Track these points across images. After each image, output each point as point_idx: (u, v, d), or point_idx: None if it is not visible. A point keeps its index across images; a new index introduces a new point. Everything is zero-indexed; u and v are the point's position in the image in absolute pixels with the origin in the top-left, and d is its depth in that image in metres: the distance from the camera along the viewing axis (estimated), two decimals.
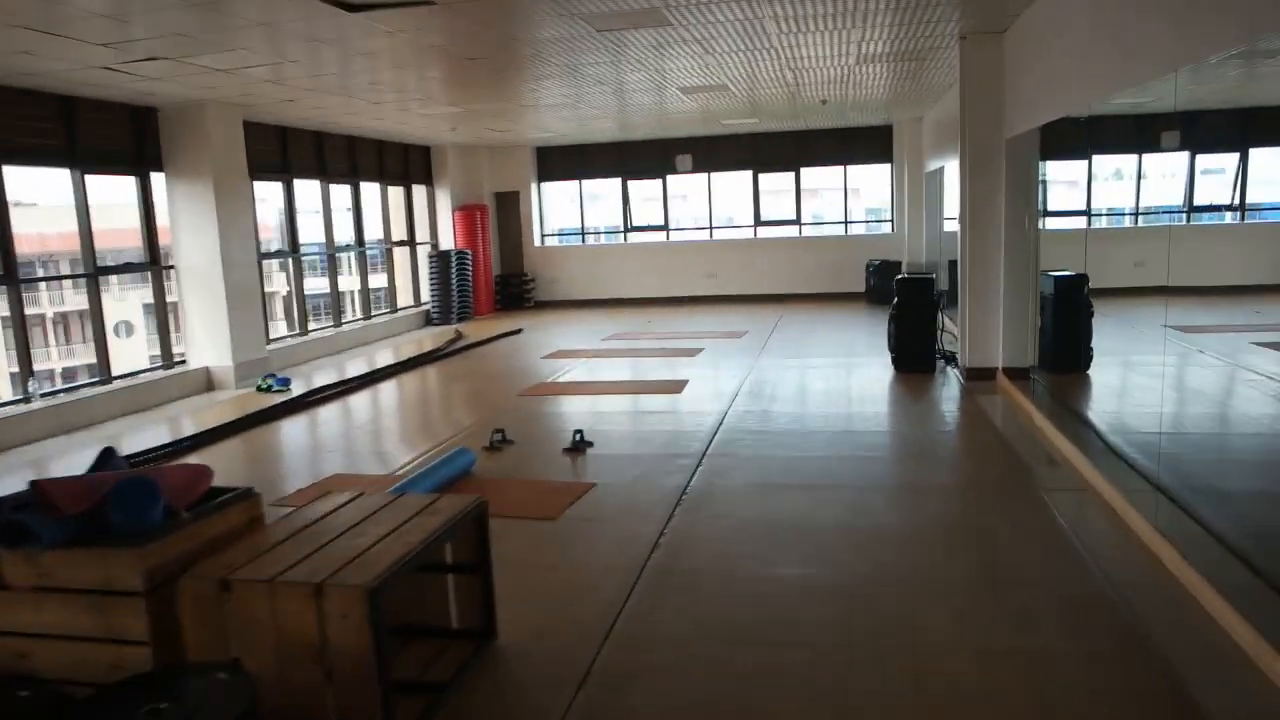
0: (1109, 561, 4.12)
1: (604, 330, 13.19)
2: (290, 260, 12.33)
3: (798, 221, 16.36)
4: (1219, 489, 5.21)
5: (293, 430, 7.87)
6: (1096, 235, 11.13)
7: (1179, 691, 3.04)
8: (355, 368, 10.87)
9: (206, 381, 10.07)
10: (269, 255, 12.24)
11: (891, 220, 16.09)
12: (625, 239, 17.22)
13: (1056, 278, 8.11)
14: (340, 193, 13.52)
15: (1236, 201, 10.73)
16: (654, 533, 4.74)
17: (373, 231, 15.04)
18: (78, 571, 2.85)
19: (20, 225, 8.65)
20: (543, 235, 17.38)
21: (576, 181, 17.15)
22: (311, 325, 12.95)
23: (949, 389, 8.13)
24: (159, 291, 9.95)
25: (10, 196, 8.14)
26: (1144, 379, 8.27)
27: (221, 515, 3.25)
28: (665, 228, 16.94)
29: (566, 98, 10.92)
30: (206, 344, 10.07)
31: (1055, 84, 6.38)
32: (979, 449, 6.22)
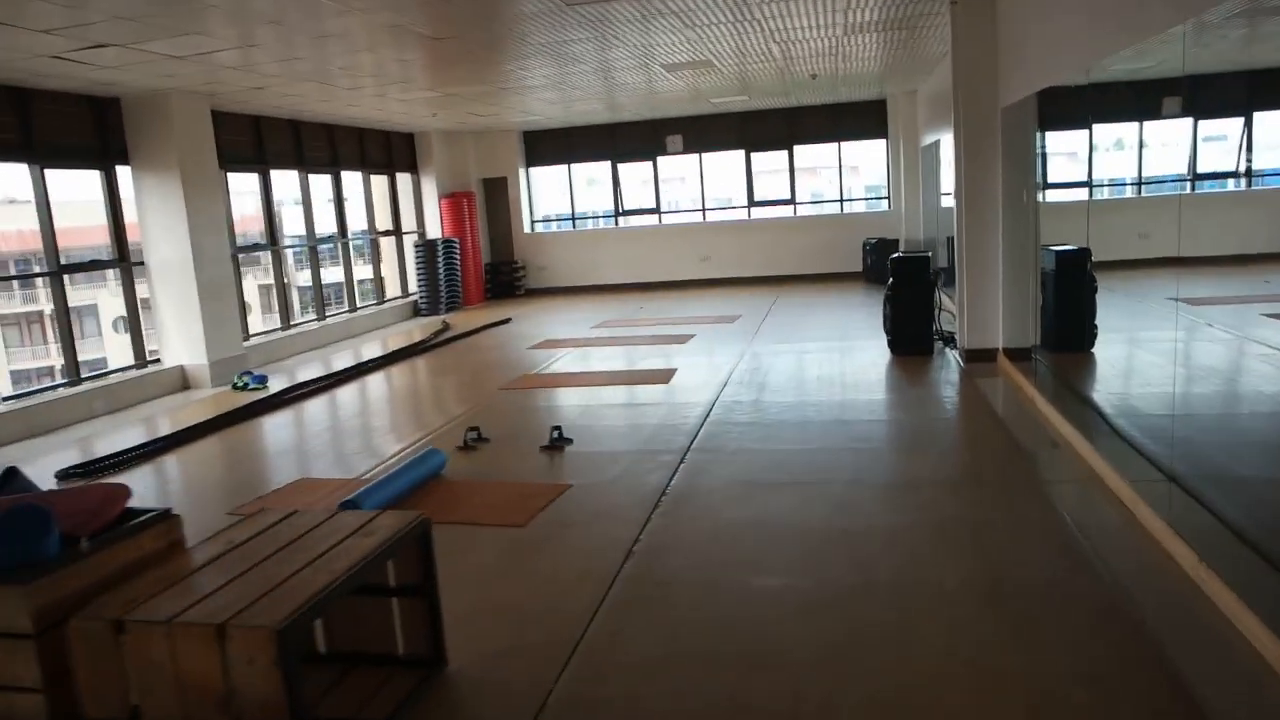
0: (1118, 563, 3.80)
1: (595, 317, 12.85)
2: (270, 253, 11.98)
3: (792, 201, 15.97)
4: (1236, 477, 4.87)
5: (265, 430, 7.56)
6: (1098, 207, 10.76)
7: (1195, 717, 2.72)
8: (337, 363, 10.55)
9: (181, 380, 9.75)
10: (246, 249, 11.91)
11: (888, 197, 15.70)
12: (616, 223, 16.85)
13: (1058, 252, 7.74)
14: (321, 183, 13.17)
15: (1242, 168, 10.37)
16: (629, 539, 4.42)
17: (358, 222, 14.71)
18: None
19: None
20: (532, 221, 17.02)
21: (565, 166, 16.77)
22: (297, 318, 12.64)
23: (947, 372, 7.79)
24: (129, 289, 9.62)
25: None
26: (1151, 356, 7.92)
27: (133, 542, 2.94)
28: (657, 211, 16.57)
29: (547, 79, 10.55)
30: (180, 342, 9.75)
31: (1051, 48, 6.01)
32: (978, 437, 5.89)
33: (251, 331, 11.37)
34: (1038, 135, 7.63)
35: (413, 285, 15.12)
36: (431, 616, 3.24)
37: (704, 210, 16.52)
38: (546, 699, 3.05)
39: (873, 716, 2.84)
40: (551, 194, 17.54)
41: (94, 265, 9.87)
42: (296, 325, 12.30)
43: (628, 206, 16.75)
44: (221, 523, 5.12)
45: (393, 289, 15.23)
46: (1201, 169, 10.99)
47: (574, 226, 17.21)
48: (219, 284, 9.88)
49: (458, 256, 15.27)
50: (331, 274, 14.48)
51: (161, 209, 9.49)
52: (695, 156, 16.17)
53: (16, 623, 2.54)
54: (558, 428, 6.31)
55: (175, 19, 6.37)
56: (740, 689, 3.04)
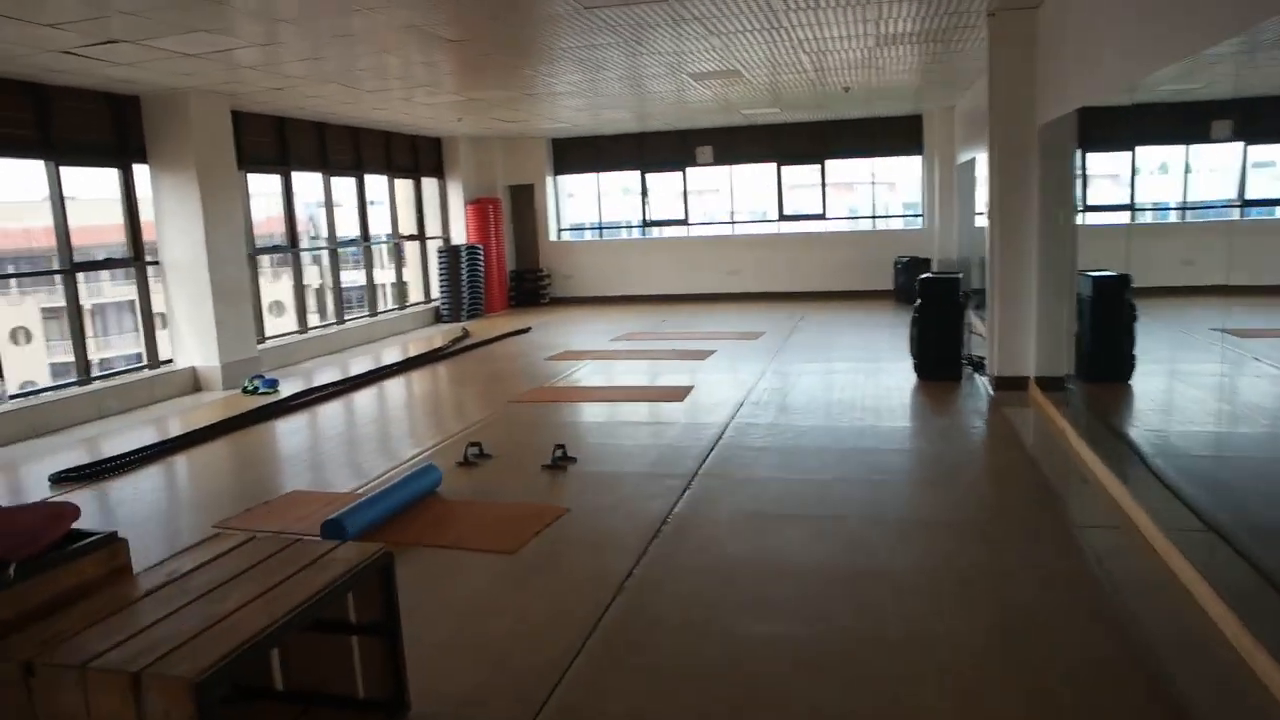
0: (1151, 626, 3.46)
1: (617, 329, 12.60)
2: (290, 255, 11.88)
3: (823, 216, 15.63)
4: None
5: (268, 436, 7.38)
6: (1139, 231, 10.34)
7: None
8: (351, 368, 10.38)
9: (193, 382, 9.63)
10: (266, 250, 11.81)
11: (922, 215, 15.31)
12: (644, 234, 16.61)
13: (1096, 278, 7.37)
14: (344, 186, 13.06)
15: None
16: (622, 572, 4.14)
17: (381, 226, 14.60)
18: None
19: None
20: (559, 230, 16.82)
21: (594, 174, 16.57)
22: (316, 321, 12.52)
23: (975, 400, 7.43)
24: (143, 288, 9.52)
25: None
26: (1193, 390, 7.51)
27: (71, 568, 2.71)
28: (685, 222, 16.31)
29: (573, 86, 10.34)
30: (193, 343, 9.64)
31: (1095, 62, 5.67)
32: (1004, 473, 5.54)
33: (270, 334, 11.26)
34: (1077, 155, 7.27)
35: (435, 291, 14.96)
36: (393, 657, 2.99)
37: (733, 223, 16.24)
38: None
39: None
40: (579, 202, 17.36)
41: (108, 264, 9.79)
42: (314, 329, 12.18)
43: (655, 217, 16.51)
44: (204, 536, 4.93)
45: (416, 294, 15.09)
46: (1250, 195, 10.52)
47: (601, 236, 16.99)
48: (233, 285, 9.75)
49: (481, 263, 15.10)
50: (356, 278, 14.37)
51: (177, 208, 9.38)
52: (725, 168, 15.89)
53: None
54: (561, 446, 6.05)
55: (185, 15, 6.23)
56: None
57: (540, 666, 3.32)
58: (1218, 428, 6.31)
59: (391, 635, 2.97)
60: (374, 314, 13.56)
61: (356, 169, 13.03)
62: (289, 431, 7.58)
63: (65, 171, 8.61)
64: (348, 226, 13.42)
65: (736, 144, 15.59)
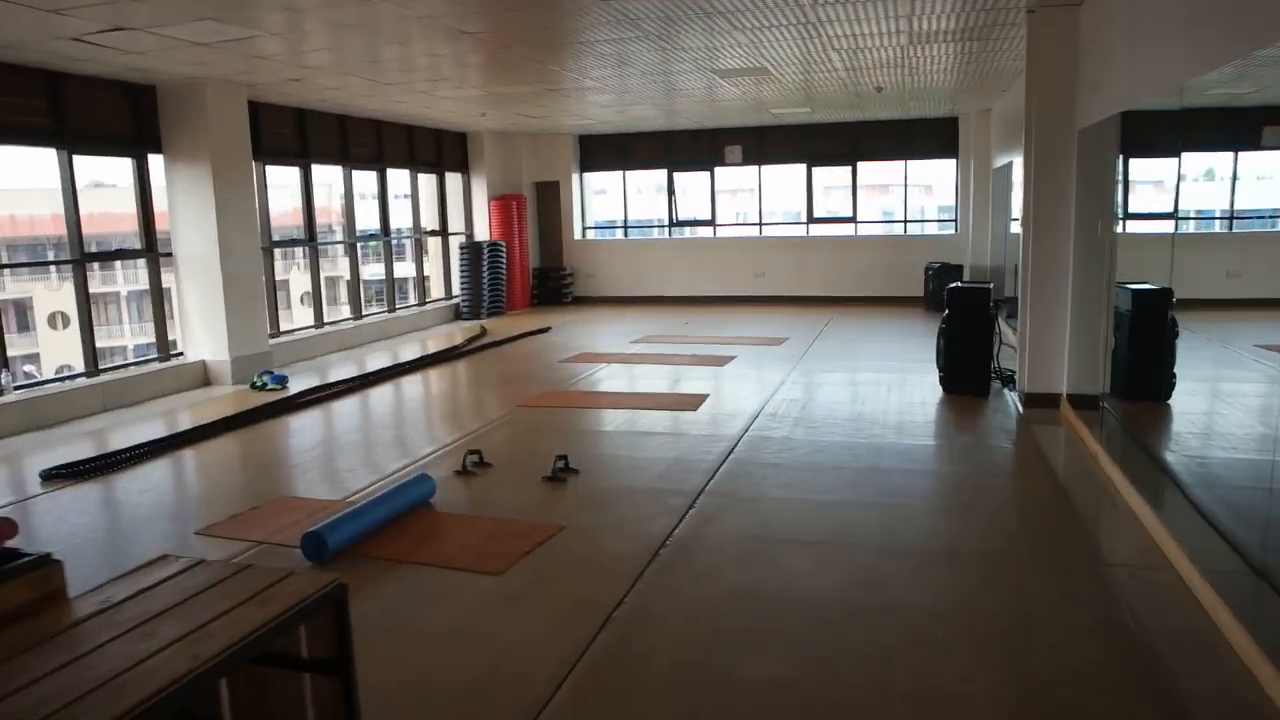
0: (1191, 691, 3.12)
1: (638, 330, 12.33)
2: (307, 249, 11.73)
3: (853, 219, 15.24)
4: None
5: (269, 435, 7.19)
6: (1181, 241, 9.88)
7: None
8: (364, 365, 10.20)
9: (203, 376, 9.50)
10: (282, 244, 11.67)
11: (955, 220, 14.87)
12: (670, 234, 16.32)
13: (1135, 291, 6.97)
14: (368, 179, 12.91)
15: None
16: (612, 601, 3.86)
17: (403, 221, 14.45)
18: None
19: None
20: (584, 228, 16.58)
21: (620, 172, 16.30)
22: (333, 316, 12.38)
23: (1003, 417, 7.07)
24: (155, 280, 9.40)
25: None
26: (1237, 413, 7.09)
27: None
28: (712, 223, 15.99)
29: (597, 82, 10.08)
30: (204, 336, 9.50)
31: (1141, 62, 5.29)
32: (1031, 501, 5.18)
33: (293, 326, 11.12)
34: (1118, 160, 6.88)
35: (456, 288, 14.78)
36: (346, 701, 2.73)
37: (761, 224, 15.90)
38: None
39: None
40: (604, 200, 17.11)
41: (119, 255, 9.68)
42: (331, 324, 12.03)
43: (682, 217, 16.21)
44: (184, 545, 4.74)
45: (437, 290, 14.93)
46: None
47: (626, 235, 16.72)
48: (246, 278, 9.60)
49: (503, 260, 14.90)
50: (380, 272, 14.22)
51: (191, 200, 9.25)
52: (754, 168, 15.55)
53: None
54: (563, 457, 5.79)
55: (195, 3, 6.05)
56: None
57: (509, 711, 3.06)
58: (1264, 455, 5.91)
59: (346, 675, 2.71)
60: (393, 309, 13.40)
61: (378, 162, 12.86)
62: (290, 431, 7.39)
63: (88, 160, 8.53)
64: (371, 221, 13.29)
65: (766, 144, 15.25)
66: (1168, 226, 9.91)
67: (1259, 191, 10.52)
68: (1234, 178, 10.70)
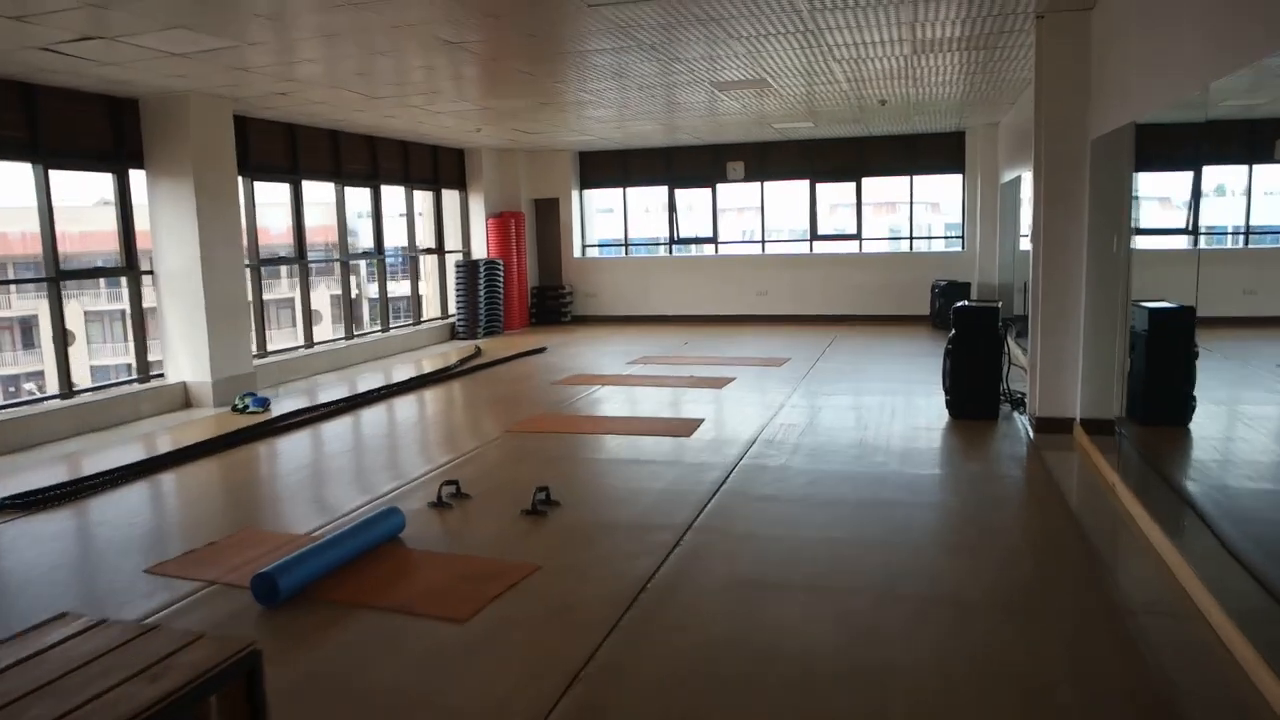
0: None
1: (636, 351, 11.99)
2: (297, 267, 11.46)
3: (858, 236, 14.91)
4: None
5: (243, 461, 6.86)
6: (1193, 258, 9.54)
7: None
8: (352, 387, 9.89)
9: (184, 398, 9.20)
10: (269, 261, 11.40)
11: (962, 237, 14.52)
12: (670, 251, 16.01)
13: (1152, 310, 6.61)
14: (359, 197, 12.66)
15: None
16: (582, 655, 3.51)
17: (398, 239, 14.20)
18: None
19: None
20: (583, 246, 16.29)
21: (620, 189, 16.02)
22: (325, 335, 12.11)
23: (1013, 444, 6.70)
24: (135, 298, 9.11)
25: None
26: (1261, 438, 6.72)
27: None
28: (714, 240, 15.68)
29: (592, 95, 9.80)
30: (185, 357, 9.20)
31: (1159, 66, 4.96)
32: (1043, 538, 4.80)
33: (270, 348, 10.83)
34: (1133, 174, 6.54)
35: (453, 306, 14.48)
36: None
37: (763, 242, 15.58)
38: None
39: None
40: (605, 218, 16.83)
41: (97, 273, 9.41)
42: (322, 343, 11.74)
43: (683, 234, 15.92)
44: (132, 585, 4.40)
45: (433, 309, 14.64)
46: None
47: (626, 253, 16.43)
48: (229, 297, 9.30)
49: (501, 279, 14.60)
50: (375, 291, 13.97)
51: (173, 216, 8.97)
52: (757, 185, 15.26)
53: None
54: (544, 489, 5.44)
55: (165, 10, 5.78)
56: None
57: None
58: None
59: None
60: (386, 329, 13.10)
61: (372, 179, 12.61)
62: (267, 456, 7.07)
63: (65, 176, 8.28)
64: (368, 238, 13.02)
65: (769, 160, 14.96)
66: (1178, 242, 9.57)
67: (1274, 206, 10.16)
68: (1249, 192, 10.35)
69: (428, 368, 11.09)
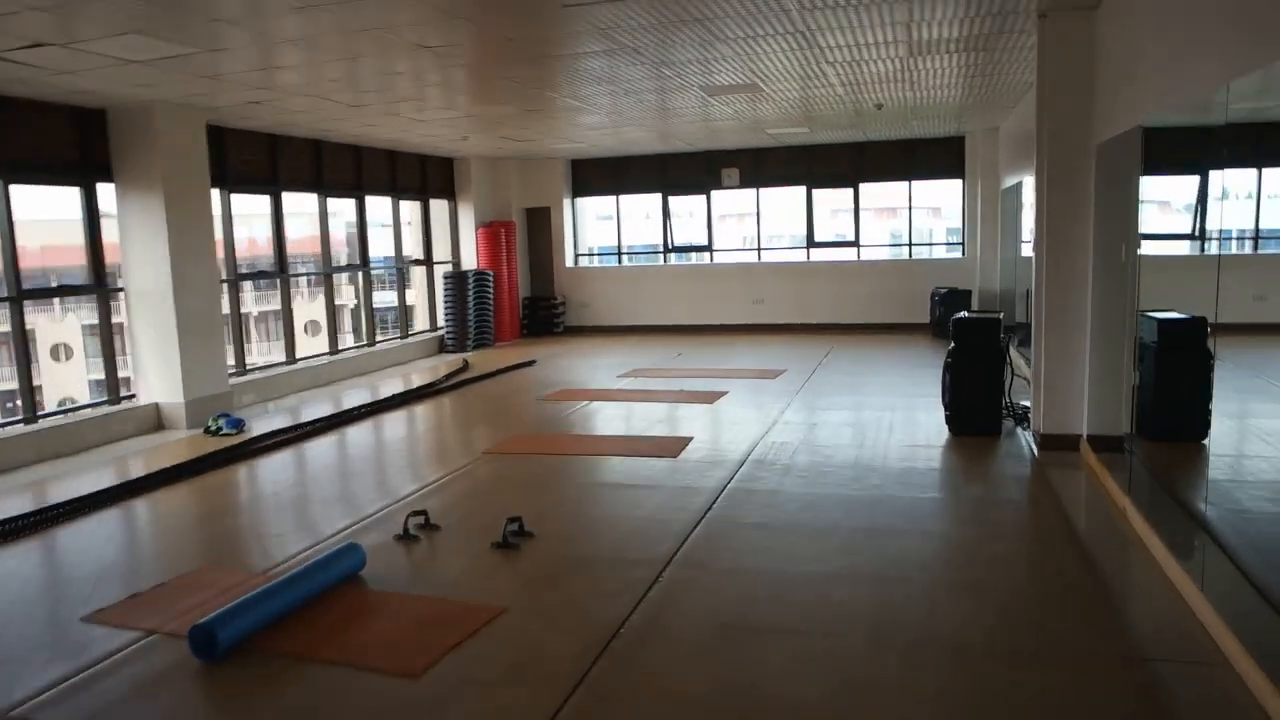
0: None
1: (628, 363, 11.66)
2: (279, 281, 11.14)
3: (856, 243, 14.58)
4: None
5: (208, 490, 6.53)
6: (1201, 264, 9.19)
7: None
8: (333, 405, 9.56)
9: (156, 420, 8.87)
10: (247, 276, 11.09)
11: (963, 244, 14.19)
12: (665, 260, 15.70)
13: (1161, 320, 6.28)
14: (345, 208, 12.37)
15: None
16: (543, 716, 3.17)
17: (385, 250, 13.90)
18: None
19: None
20: (576, 255, 15.97)
21: (614, 197, 15.71)
22: (322, 348, 11.80)
23: (1016, 463, 6.35)
24: (104, 316, 8.80)
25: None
26: None
27: None
28: (709, 248, 15.37)
29: (579, 101, 9.49)
30: (157, 378, 8.88)
31: (1170, 65, 4.63)
32: (1048, 573, 4.44)
33: (250, 364, 10.52)
34: (1140, 177, 6.21)
35: (442, 319, 14.16)
36: None
37: (759, 250, 15.26)
38: None
39: None
40: (598, 227, 16.53)
41: (62, 290, 9.09)
42: (305, 359, 11.42)
43: (678, 242, 15.60)
44: (64, 636, 4.07)
45: (422, 322, 14.32)
46: None
47: (620, 262, 16.11)
48: (202, 314, 8.98)
49: (490, 290, 14.27)
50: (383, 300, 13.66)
51: (142, 230, 8.66)
52: (752, 191, 14.94)
53: None
54: (516, 519, 5.10)
55: (108, 13, 5.47)
56: None
57: None
58: None
59: None
60: (372, 343, 12.77)
61: (356, 190, 12.30)
62: (234, 483, 6.74)
63: (33, 190, 7.98)
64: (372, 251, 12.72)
65: (764, 166, 14.65)
66: (1178, 249, 9.20)
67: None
68: (1259, 196, 10.02)
69: (413, 383, 10.77)
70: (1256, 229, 10.17)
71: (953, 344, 7.14)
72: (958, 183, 14.03)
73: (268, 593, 4.08)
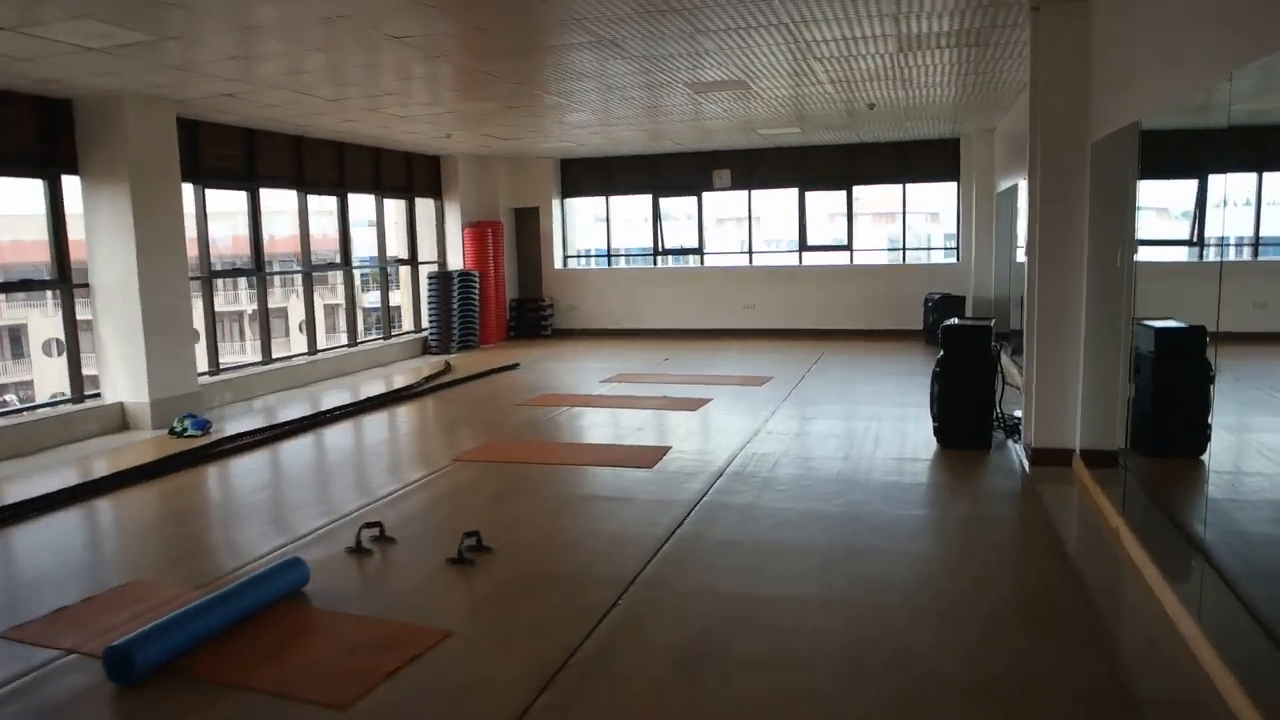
0: None
1: (613, 367, 11.38)
2: (256, 279, 10.85)
3: (849, 247, 14.31)
4: None
5: (165, 494, 6.24)
6: (1201, 271, 8.91)
7: None
8: (311, 405, 9.27)
9: (121, 419, 8.58)
10: (222, 274, 10.81)
11: (958, 248, 13.93)
12: (655, 263, 15.42)
13: (1158, 329, 6.00)
14: (326, 205, 12.09)
15: None
16: None
17: (368, 249, 13.61)
18: None
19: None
20: (565, 257, 15.70)
21: (604, 197, 15.44)
22: (285, 351, 11.52)
23: (1006, 478, 6.08)
24: (69, 313, 8.51)
25: None
26: None
27: None
28: (700, 251, 15.09)
29: (561, 98, 9.22)
30: (122, 377, 8.59)
31: (1171, 54, 4.37)
32: (1037, 601, 4.15)
33: (224, 364, 10.23)
34: (1138, 179, 5.94)
35: (426, 320, 13.87)
36: None
37: (750, 253, 14.99)
38: None
39: None
40: (587, 228, 16.25)
41: (26, 285, 8.81)
42: (282, 359, 11.13)
43: (668, 245, 15.33)
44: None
45: (407, 323, 14.04)
46: None
47: (609, 264, 15.83)
48: (170, 312, 8.70)
49: (476, 291, 13.98)
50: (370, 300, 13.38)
51: (108, 225, 8.38)
52: (744, 193, 14.67)
53: None
54: (474, 534, 4.82)
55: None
56: None
57: None
58: None
59: None
60: (354, 344, 12.49)
61: (339, 187, 12.02)
62: (191, 487, 6.46)
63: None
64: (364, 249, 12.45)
65: (757, 167, 14.38)
66: (1174, 255, 8.87)
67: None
68: (1259, 201, 9.74)
69: (393, 385, 10.49)
70: (1256, 235, 9.89)
71: (941, 353, 6.86)
72: (953, 186, 13.77)
73: (197, 610, 3.80)
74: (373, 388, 10.41)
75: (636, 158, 14.74)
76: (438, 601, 4.21)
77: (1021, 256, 9.50)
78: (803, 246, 14.49)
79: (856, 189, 14.14)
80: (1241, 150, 8.41)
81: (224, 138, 10.03)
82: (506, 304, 15.13)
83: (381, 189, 12.90)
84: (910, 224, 14.45)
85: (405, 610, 4.11)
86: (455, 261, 14.40)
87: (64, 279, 8.43)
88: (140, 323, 8.42)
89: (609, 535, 5.04)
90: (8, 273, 16.25)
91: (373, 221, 13.36)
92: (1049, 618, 3.88)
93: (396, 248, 13.83)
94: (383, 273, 13.46)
